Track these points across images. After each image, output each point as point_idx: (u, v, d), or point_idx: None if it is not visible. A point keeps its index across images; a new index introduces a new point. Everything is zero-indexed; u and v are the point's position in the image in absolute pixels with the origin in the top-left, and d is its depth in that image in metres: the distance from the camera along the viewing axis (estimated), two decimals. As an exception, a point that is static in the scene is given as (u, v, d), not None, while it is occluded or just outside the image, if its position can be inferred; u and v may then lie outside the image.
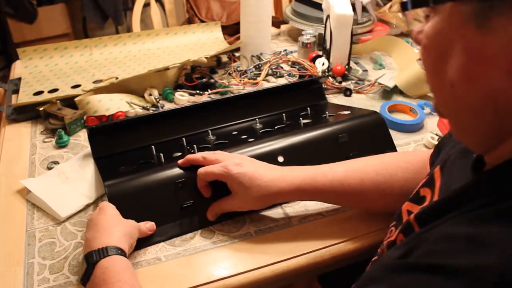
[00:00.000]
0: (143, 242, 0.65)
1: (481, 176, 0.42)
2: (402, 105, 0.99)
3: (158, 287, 0.60)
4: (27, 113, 0.96)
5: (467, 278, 0.32)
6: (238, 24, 1.18)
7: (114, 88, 0.97)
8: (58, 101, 0.94)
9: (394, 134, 0.88)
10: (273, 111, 0.91)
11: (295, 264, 0.64)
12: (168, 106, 1.00)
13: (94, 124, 0.88)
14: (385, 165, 0.66)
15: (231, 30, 1.28)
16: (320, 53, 1.14)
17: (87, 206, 0.73)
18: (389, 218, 0.59)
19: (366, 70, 1.16)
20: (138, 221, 0.65)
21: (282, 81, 1.11)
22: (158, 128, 0.83)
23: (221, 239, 0.67)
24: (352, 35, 1.10)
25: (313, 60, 1.11)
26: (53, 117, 0.92)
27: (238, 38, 1.20)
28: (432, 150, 0.66)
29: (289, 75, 1.12)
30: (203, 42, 1.25)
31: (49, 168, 0.81)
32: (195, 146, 0.77)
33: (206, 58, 1.05)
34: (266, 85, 1.09)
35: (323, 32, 1.16)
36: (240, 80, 1.07)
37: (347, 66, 1.12)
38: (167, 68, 1.02)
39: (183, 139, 0.81)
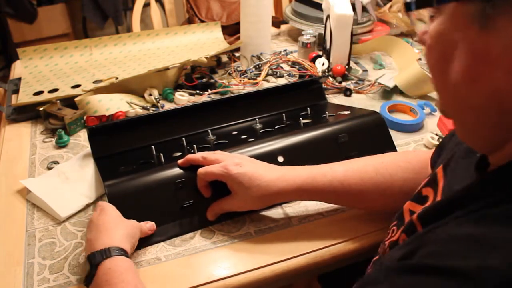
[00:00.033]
0: (143, 242, 0.65)
1: (486, 176, 0.42)
2: (402, 105, 0.99)
3: (158, 287, 0.60)
4: (27, 113, 0.96)
5: (470, 280, 0.32)
6: (238, 24, 1.18)
7: (114, 88, 0.97)
8: (58, 101, 0.94)
9: (394, 134, 0.88)
10: (273, 111, 0.91)
11: (295, 264, 0.64)
12: (168, 106, 1.00)
13: (94, 124, 0.88)
14: (385, 165, 0.66)
15: (231, 30, 1.28)
16: (320, 53, 1.14)
17: (87, 206, 0.73)
18: (389, 218, 0.59)
19: (366, 70, 1.16)
20: (138, 221, 0.65)
21: (282, 81, 1.11)
22: (158, 128, 0.83)
23: (221, 239, 0.67)
24: (352, 35, 1.10)
25: (313, 60, 1.11)
26: (53, 117, 0.92)
27: (238, 38, 1.20)
28: (432, 150, 0.66)
29: (289, 75, 1.12)
30: (203, 42, 1.25)
31: (49, 168, 0.81)
32: (195, 146, 0.77)
33: (206, 58, 1.05)
34: (266, 85, 1.09)
35: (323, 32, 1.16)
36: (240, 80, 1.07)
37: (347, 66, 1.12)
38: (167, 68, 1.02)
39: (183, 139, 0.81)
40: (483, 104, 0.37)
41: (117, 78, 1.02)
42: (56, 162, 0.83)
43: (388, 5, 1.39)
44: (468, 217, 0.37)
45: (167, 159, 0.75)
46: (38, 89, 1.02)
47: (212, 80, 1.06)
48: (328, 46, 1.12)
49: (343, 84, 1.08)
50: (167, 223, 0.67)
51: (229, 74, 1.11)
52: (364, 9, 1.30)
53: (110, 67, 1.12)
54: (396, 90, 1.06)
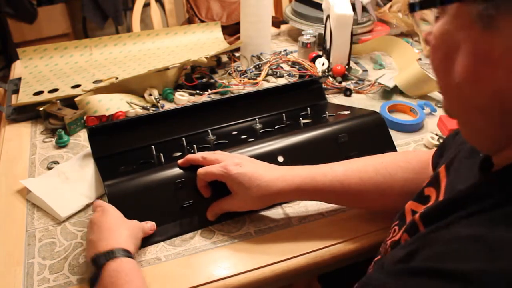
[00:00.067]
0: (143, 242, 0.65)
1: (490, 177, 0.42)
2: (402, 105, 0.99)
3: (158, 287, 0.60)
4: (27, 113, 0.96)
5: (470, 284, 0.32)
6: (238, 24, 1.18)
7: (114, 88, 0.97)
8: (58, 101, 0.94)
9: (394, 134, 0.88)
10: (273, 111, 0.91)
11: (295, 264, 0.64)
12: (168, 106, 1.00)
13: (94, 124, 0.88)
14: (385, 165, 0.66)
15: (231, 30, 1.28)
16: (320, 53, 1.14)
17: (87, 206, 0.73)
18: (389, 218, 0.59)
19: (366, 70, 1.16)
20: (138, 221, 0.65)
21: (282, 81, 1.11)
22: (158, 128, 0.83)
23: (221, 239, 0.67)
24: (352, 35, 1.10)
25: (313, 60, 1.11)
26: (53, 117, 0.92)
27: (238, 38, 1.20)
28: (433, 150, 0.66)
29: (289, 75, 1.12)
30: (203, 42, 1.25)
31: (49, 168, 0.81)
32: (195, 146, 0.77)
33: (206, 58, 1.05)
34: (266, 85, 1.09)
35: (323, 32, 1.16)
36: (240, 80, 1.07)
37: (347, 66, 1.12)
38: (167, 68, 1.02)
39: (183, 139, 0.81)
40: (486, 104, 0.37)
41: (117, 78, 1.02)
42: (56, 162, 0.83)
43: (388, 5, 1.39)
44: (472, 218, 0.37)
45: (167, 159, 0.75)
46: (38, 89, 1.02)
47: (212, 80, 1.06)
48: (328, 46, 1.12)
49: (343, 84, 1.08)
50: (167, 223, 0.67)
51: (229, 74, 1.11)
52: (364, 9, 1.30)
53: (110, 67, 1.12)
54: (396, 90, 1.06)
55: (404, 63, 1.13)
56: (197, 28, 1.26)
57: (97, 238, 0.59)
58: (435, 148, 0.65)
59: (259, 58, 1.14)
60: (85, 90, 0.95)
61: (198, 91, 1.03)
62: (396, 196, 0.64)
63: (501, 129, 0.38)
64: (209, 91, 1.03)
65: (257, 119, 0.88)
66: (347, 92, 1.05)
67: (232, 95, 1.00)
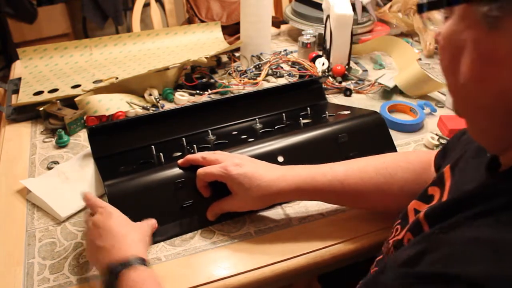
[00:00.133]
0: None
1: (497, 177, 0.42)
2: (402, 105, 0.99)
3: (158, 287, 0.60)
4: (27, 113, 0.96)
5: (479, 287, 0.32)
6: (238, 24, 1.18)
7: (114, 88, 0.97)
8: (58, 101, 0.94)
9: (394, 134, 0.88)
10: (273, 111, 0.91)
11: (295, 264, 0.64)
12: (168, 106, 1.00)
13: (94, 124, 0.88)
14: (386, 165, 0.66)
15: (231, 30, 1.28)
16: (320, 53, 1.14)
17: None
18: (389, 218, 0.59)
19: (366, 70, 1.16)
20: (138, 221, 0.65)
21: (282, 81, 1.11)
22: (158, 128, 0.83)
23: (221, 239, 0.67)
24: (352, 35, 1.10)
25: (313, 60, 1.11)
26: (53, 117, 0.92)
27: (238, 38, 1.20)
28: (435, 151, 0.66)
29: (289, 75, 1.12)
30: (203, 42, 1.25)
31: (49, 168, 0.81)
32: (195, 146, 0.77)
33: (206, 58, 1.05)
34: (266, 85, 1.09)
35: (323, 32, 1.16)
36: (240, 80, 1.07)
37: (347, 66, 1.12)
38: (167, 68, 1.02)
39: (183, 139, 0.81)
40: (491, 104, 0.37)
41: (117, 78, 1.02)
42: (56, 162, 0.83)
43: (388, 5, 1.39)
44: (479, 220, 0.37)
45: (167, 159, 0.75)
46: (38, 89, 1.02)
47: (212, 80, 1.06)
48: (328, 46, 1.12)
49: (343, 84, 1.08)
50: (167, 223, 0.67)
51: (229, 74, 1.11)
52: (364, 9, 1.30)
53: (110, 67, 1.12)
54: (396, 90, 1.06)
55: (404, 63, 1.13)
56: (197, 28, 1.26)
57: (110, 245, 0.57)
58: (437, 149, 0.65)
59: (259, 58, 1.14)
60: (85, 90, 0.95)
61: (198, 91, 1.03)
62: (396, 196, 0.64)
63: (507, 129, 0.38)
64: (209, 91, 1.03)
65: (257, 119, 0.88)
66: (347, 92, 1.05)
67: (232, 95, 1.00)
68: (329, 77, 1.08)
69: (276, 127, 0.86)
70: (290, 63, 1.15)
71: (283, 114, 0.90)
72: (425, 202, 0.53)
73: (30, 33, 2.48)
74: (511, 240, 0.33)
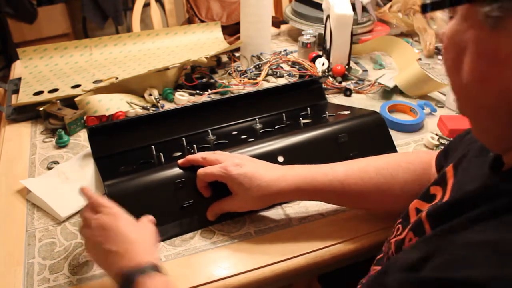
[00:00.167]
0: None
1: (500, 176, 0.42)
2: (402, 105, 0.99)
3: (158, 287, 0.60)
4: (27, 113, 0.96)
5: None
6: (238, 24, 1.18)
7: (114, 88, 0.97)
8: (58, 101, 0.94)
9: (394, 134, 0.88)
10: (273, 111, 0.91)
11: (295, 264, 0.64)
12: (168, 106, 1.00)
13: (94, 124, 0.88)
14: (386, 166, 0.66)
15: (231, 30, 1.28)
16: (320, 53, 1.14)
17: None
18: (389, 218, 0.59)
19: (366, 70, 1.16)
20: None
21: (282, 81, 1.11)
22: (158, 128, 0.83)
23: (221, 239, 0.67)
24: (352, 35, 1.10)
25: (313, 60, 1.11)
26: (53, 117, 0.92)
27: (238, 38, 1.20)
28: (435, 152, 0.66)
29: (289, 75, 1.12)
30: (203, 42, 1.25)
31: (49, 168, 0.81)
32: (195, 146, 0.77)
33: (206, 58, 1.05)
34: (266, 85, 1.09)
35: (323, 32, 1.16)
36: (240, 80, 1.07)
37: (347, 66, 1.12)
38: (167, 68, 1.02)
39: (183, 139, 0.81)
40: (493, 103, 0.37)
41: (117, 78, 1.02)
42: (56, 162, 0.83)
43: (388, 5, 1.39)
44: (483, 222, 0.37)
45: (167, 159, 0.75)
46: (38, 89, 1.02)
47: (212, 80, 1.06)
48: (328, 46, 1.12)
49: (343, 84, 1.08)
50: (167, 223, 0.67)
51: (229, 74, 1.11)
52: (364, 9, 1.30)
53: (110, 67, 1.12)
54: (396, 90, 1.06)
55: (404, 63, 1.13)
56: (197, 28, 1.26)
57: (124, 250, 0.54)
58: (437, 149, 0.65)
59: (259, 58, 1.14)
60: (85, 90, 0.95)
61: (198, 91, 1.03)
62: (396, 196, 0.64)
63: (509, 128, 0.38)
64: (209, 91, 1.03)
65: (257, 119, 0.88)
66: (347, 92, 1.05)
67: (232, 95, 1.00)
68: (329, 77, 1.08)
69: (276, 127, 0.86)
70: (290, 63, 1.15)
71: (283, 114, 0.90)
72: (427, 201, 0.53)
73: (30, 33, 2.48)
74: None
